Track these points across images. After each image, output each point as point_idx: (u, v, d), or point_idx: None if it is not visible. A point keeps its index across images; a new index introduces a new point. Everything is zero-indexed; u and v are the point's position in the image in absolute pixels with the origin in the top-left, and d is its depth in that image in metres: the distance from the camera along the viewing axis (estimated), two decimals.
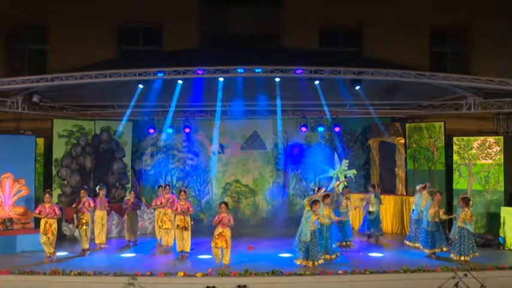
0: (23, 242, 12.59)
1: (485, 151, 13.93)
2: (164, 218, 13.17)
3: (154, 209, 14.14)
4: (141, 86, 12.86)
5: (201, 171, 16.60)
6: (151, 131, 16.05)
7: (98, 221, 13.22)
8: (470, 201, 11.33)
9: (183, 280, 9.94)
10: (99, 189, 13.46)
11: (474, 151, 14.10)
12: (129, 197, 14.01)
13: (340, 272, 10.25)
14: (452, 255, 11.22)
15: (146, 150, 16.57)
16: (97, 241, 13.18)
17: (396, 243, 13.66)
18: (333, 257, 11.45)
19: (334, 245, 11.93)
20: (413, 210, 12.98)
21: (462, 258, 11.04)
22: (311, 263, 10.71)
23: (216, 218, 11.27)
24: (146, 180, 16.49)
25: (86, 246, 12.45)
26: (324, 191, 12.17)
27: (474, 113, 14.26)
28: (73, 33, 15.80)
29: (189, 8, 16.58)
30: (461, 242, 11.10)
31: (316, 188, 12.66)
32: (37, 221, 13.83)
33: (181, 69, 12.02)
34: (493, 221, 13.55)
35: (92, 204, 12.63)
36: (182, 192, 12.39)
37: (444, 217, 11.69)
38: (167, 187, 13.79)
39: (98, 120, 15.66)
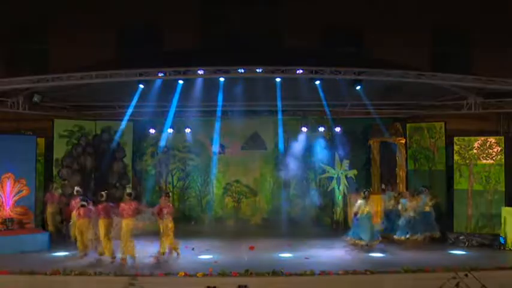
0: (24, 242, 12.57)
1: (486, 151, 13.90)
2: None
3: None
4: (141, 86, 12.85)
5: (201, 171, 16.59)
6: (152, 131, 16.04)
7: None
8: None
9: (183, 280, 9.93)
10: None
11: (475, 151, 14.06)
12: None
13: (340, 272, 10.24)
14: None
15: (147, 150, 16.57)
16: None
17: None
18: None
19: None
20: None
21: None
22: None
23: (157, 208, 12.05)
24: (147, 181, 16.50)
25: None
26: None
27: (475, 113, 14.22)
28: (73, 33, 15.78)
29: (189, 8, 16.57)
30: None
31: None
32: (37, 222, 13.87)
33: (181, 69, 12.03)
34: (494, 221, 13.53)
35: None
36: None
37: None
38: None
39: (98, 121, 15.66)
